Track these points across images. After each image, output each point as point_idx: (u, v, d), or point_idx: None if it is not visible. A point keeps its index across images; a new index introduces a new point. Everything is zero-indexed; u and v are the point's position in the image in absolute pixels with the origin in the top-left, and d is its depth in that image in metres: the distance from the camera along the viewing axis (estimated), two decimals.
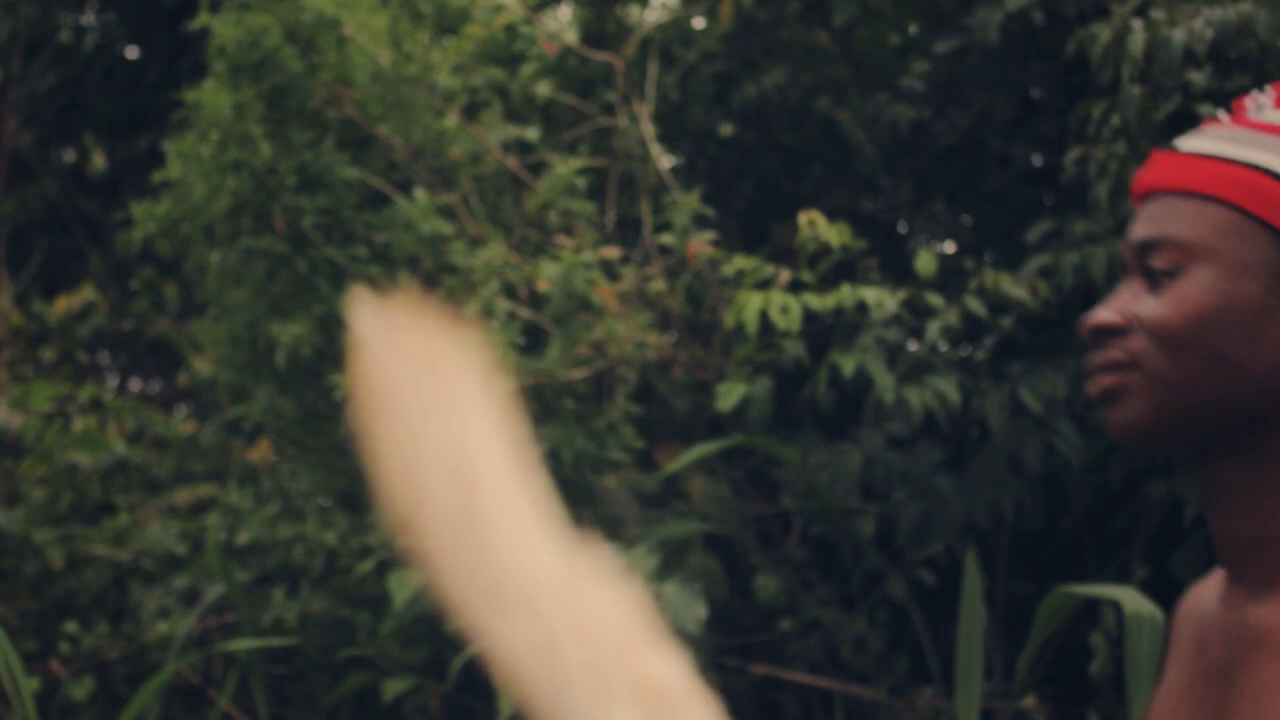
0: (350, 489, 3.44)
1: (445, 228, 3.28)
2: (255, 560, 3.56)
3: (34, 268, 5.27)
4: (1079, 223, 3.39)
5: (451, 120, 3.47)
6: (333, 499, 3.50)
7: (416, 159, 3.44)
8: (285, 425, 3.43)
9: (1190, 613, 1.21)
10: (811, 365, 3.37)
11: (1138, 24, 2.89)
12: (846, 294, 3.21)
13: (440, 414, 0.96)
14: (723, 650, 3.39)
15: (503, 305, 3.25)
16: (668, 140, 3.84)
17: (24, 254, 5.33)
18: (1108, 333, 1.17)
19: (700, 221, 3.43)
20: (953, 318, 3.32)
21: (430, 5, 3.54)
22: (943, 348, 3.44)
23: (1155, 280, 1.15)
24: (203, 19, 3.32)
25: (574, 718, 0.91)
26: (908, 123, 3.98)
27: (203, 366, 4.23)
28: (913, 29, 4.23)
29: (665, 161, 3.72)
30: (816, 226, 3.23)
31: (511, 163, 3.51)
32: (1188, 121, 2.92)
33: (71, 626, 3.69)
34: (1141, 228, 1.18)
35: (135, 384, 5.34)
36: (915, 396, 3.22)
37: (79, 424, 4.21)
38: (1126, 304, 1.17)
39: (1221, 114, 1.20)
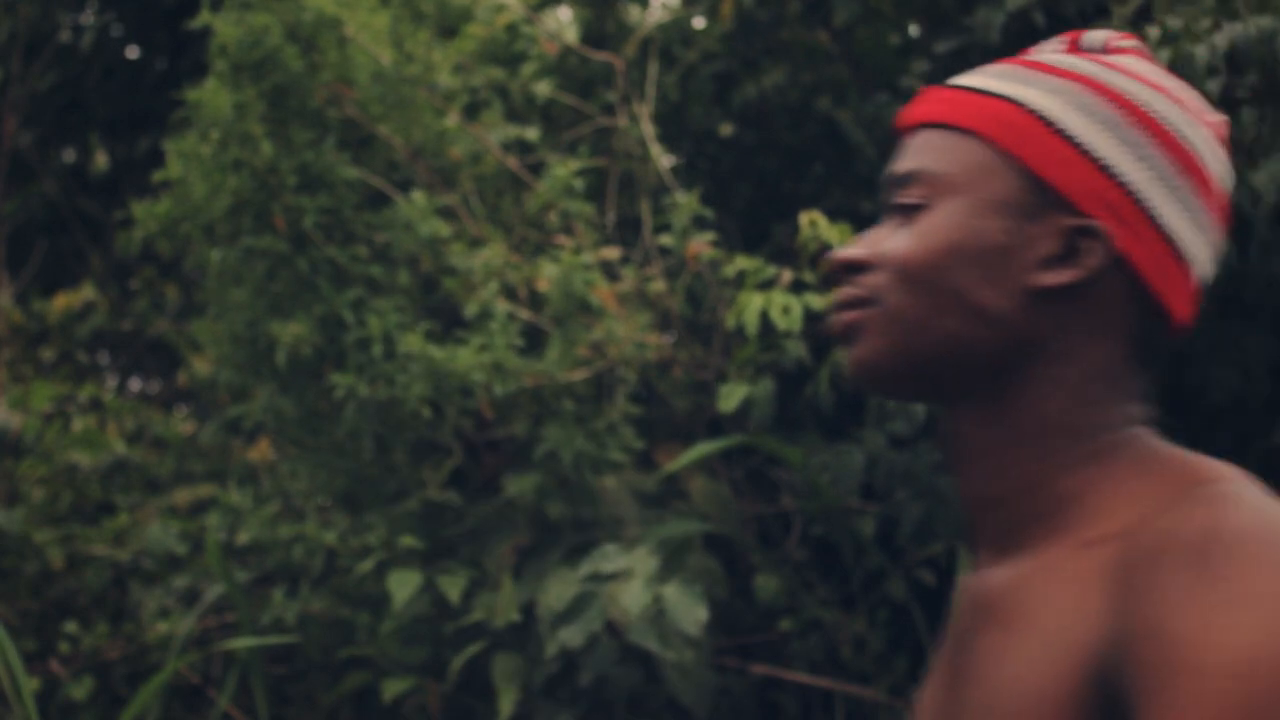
0: (350, 489, 3.44)
1: (444, 229, 3.28)
2: (255, 560, 3.57)
3: (34, 267, 5.26)
4: None
5: (452, 120, 3.47)
6: (333, 499, 3.50)
7: (417, 159, 3.44)
8: (285, 425, 3.43)
9: (964, 580, 1.14)
10: (813, 365, 3.37)
11: (1153, 32, 2.88)
12: None
13: None
14: (723, 650, 3.39)
15: (502, 306, 3.25)
16: (668, 140, 3.84)
17: (24, 254, 5.32)
18: (853, 269, 1.11)
19: (700, 222, 3.43)
20: None
21: (431, 5, 3.54)
22: None
23: (906, 215, 1.10)
24: (203, 18, 3.32)
25: None
26: None
27: (202, 366, 4.23)
28: (913, 29, 4.22)
29: (665, 161, 3.72)
30: (817, 227, 3.22)
31: (511, 163, 3.51)
32: None
33: (71, 626, 3.69)
34: (897, 162, 1.12)
35: (135, 384, 5.33)
36: None
37: (79, 424, 4.21)
38: (878, 241, 1.11)
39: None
